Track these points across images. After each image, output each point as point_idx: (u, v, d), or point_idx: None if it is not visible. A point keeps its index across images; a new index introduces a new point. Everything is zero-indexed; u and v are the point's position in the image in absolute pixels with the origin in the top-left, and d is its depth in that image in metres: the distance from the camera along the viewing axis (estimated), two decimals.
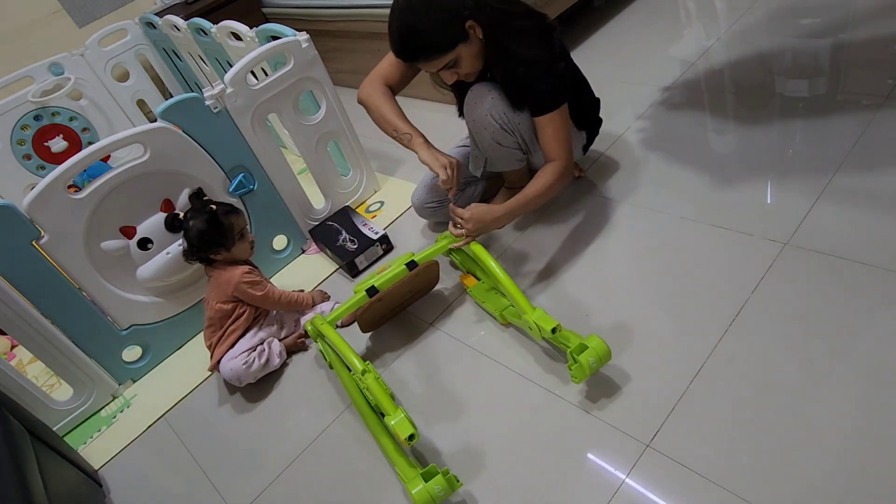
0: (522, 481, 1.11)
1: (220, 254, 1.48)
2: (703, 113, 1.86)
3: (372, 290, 1.40)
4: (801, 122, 1.67)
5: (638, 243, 1.50)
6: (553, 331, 1.17)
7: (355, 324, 1.46)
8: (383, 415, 1.24)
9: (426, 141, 1.46)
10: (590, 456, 1.11)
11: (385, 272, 1.42)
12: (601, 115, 1.68)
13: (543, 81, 1.37)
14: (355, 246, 1.75)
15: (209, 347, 1.54)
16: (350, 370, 1.36)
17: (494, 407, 1.26)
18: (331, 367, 1.44)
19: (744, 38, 2.13)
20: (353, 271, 1.74)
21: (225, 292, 1.48)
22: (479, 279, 1.53)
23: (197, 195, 1.53)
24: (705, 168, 1.63)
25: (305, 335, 1.57)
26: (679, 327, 1.25)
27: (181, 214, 1.49)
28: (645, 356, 1.22)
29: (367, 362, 1.21)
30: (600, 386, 1.21)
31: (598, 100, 1.65)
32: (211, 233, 1.45)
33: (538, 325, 1.20)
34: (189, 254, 1.49)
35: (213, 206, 1.47)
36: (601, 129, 1.72)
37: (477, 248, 1.39)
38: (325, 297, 1.65)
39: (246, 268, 1.51)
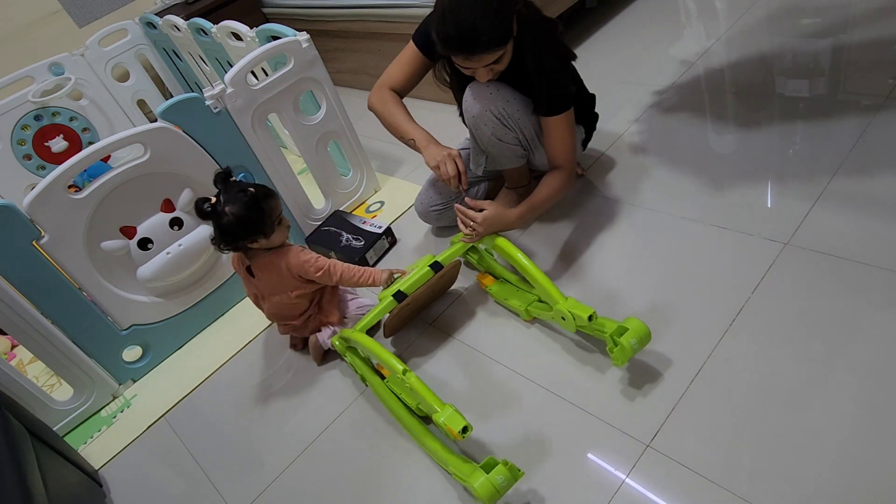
0: (522, 481, 1.10)
1: (259, 242, 1.34)
2: (703, 113, 1.86)
3: (400, 295, 1.36)
4: (801, 123, 1.67)
5: (638, 243, 1.50)
6: (590, 318, 1.16)
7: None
8: (424, 419, 1.24)
9: (430, 141, 1.45)
10: (590, 456, 1.11)
11: (409, 275, 1.39)
12: (597, 111, 1.68)
13: (561, 82, 1.40)
14: (361, 243, 1.75)
15: (293, 333, 1.51)
16: (383, 378, 1.35)
17: (494, 407, 1.26)
18: (362, 380, 1.40)
19: (744, 38, 2.13)
20: (364, 266, 1.73)
21: (289, 281, 1.39)
22: (497, 277, 1.52)
23: (224, 176, 1.32)
24: (705, 168, 1.63)
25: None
26: (679, 327, 1.25)
27: (212, 199, 1.29)
28: (645, 356, 1.22)
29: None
30: (600, 386, 1.21)
31: (593, 95, 1.65)
32: (251, 219, 1.29)
33: (573, 313, 1.19)
34: (223, 242, 1.32)
35: (252, 189, 1.30)
36: (602, 128, 1.72)
37: (502, 242, 1.37)
38: (392, 276, 1.44)
39: (298, 246, 1.41)
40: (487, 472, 1.01)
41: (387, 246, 1.80)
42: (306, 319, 1.49)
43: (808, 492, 0.94)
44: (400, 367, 1.14)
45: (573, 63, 1.49)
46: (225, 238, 1.32)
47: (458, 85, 1.54)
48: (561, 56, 1.41)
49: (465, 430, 1.03)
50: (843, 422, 1.00)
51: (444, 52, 1.33)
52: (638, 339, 1.13)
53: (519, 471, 1.03)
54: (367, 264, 1.75)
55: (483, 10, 1.24)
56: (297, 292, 1.42)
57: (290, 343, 1.60)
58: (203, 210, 1.29)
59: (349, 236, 1.80)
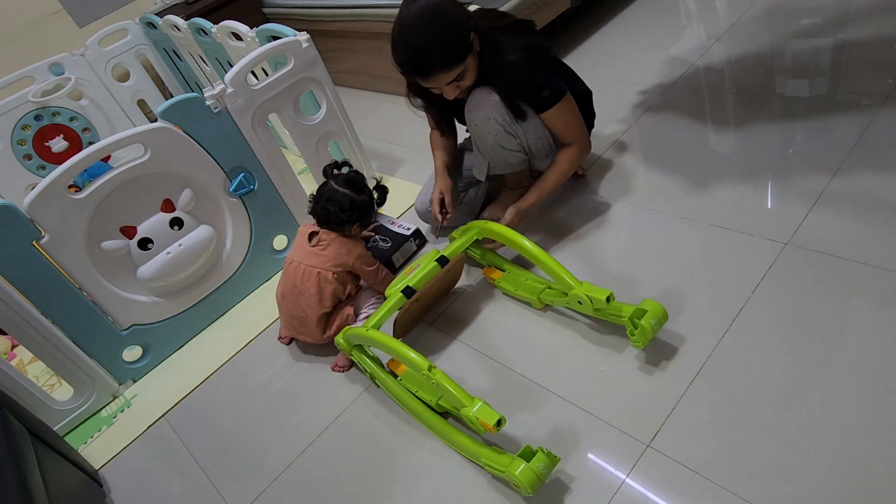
0: None
1: (356, 227, 1.49)
2: (703, 113, 1.86)
3: (409, 291, 1.34)
4: (801, 122, 1.67)
5: (638, 243, 1.50)
6: (607, 300, 1.17)
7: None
8: (444, 414, 1.24)
9: (439, 175, 1.63)
10: (590, 455, 1.11)
11: (416, 271, 1.37)
12: (595, 109, 1.68)
13: (537, 77, 1.42)
14: (388, 244, 1.72)
15: (316, 317, 1.47)
16: (396, 376, 1.34)
17: (492, 405, 1.25)
18: (371, 379, 1.39)
19: (744, 37, 2.13)
20: (390, 269, 1.69)
21: (345, 261, 1.46)
22: (503, 270, 1.52)
23: (339, 166, 1.52)
24: (705, 168, 1.63)
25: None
26: (679, 327, 1.25)
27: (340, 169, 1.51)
28: (645, 356, 1.22)
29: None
30: (600, 386, 1.21)
31: (589, 91, 1.66)
32: (373, 207, 1.50)
33: (590, 297, 1.19)
34: (348, 213, 1.45)
35: (378, 181, 1.53)
36: (601, 129, 1.73)
37: (510, 233, 1.37)
38: None
39: (363, 243, 1.54)
40: (527, 461, 1.01)
41: (414, 248, 1.75)
42: (322, 318, 1.48)
43: (808, 492, 0.94)
44: (424, 363, 1.12)
45: (568, 63, 1.50)
46: (353, 211, 1.45)
47: (434, 105, 1.60)
48: (526, 60, 1.40)
49: (499, 423, 1.02)
50: (843, 422, 1.00)
51: (405, 76, 1.37)
52: (657, 319, 1.14)
53: (556, 457, 1.03)
54: (393, 267, 1.70)
55: (430, 32, 1.28)
56: (337, 279, 1.46)
57: (280, 335, 1.62)
58: (350, 178, 1.48)
59: (376, 236, 1.76)
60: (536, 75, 1.42)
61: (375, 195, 1.52)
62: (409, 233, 1.74)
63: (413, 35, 1.29)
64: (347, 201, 1.44)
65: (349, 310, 1.50)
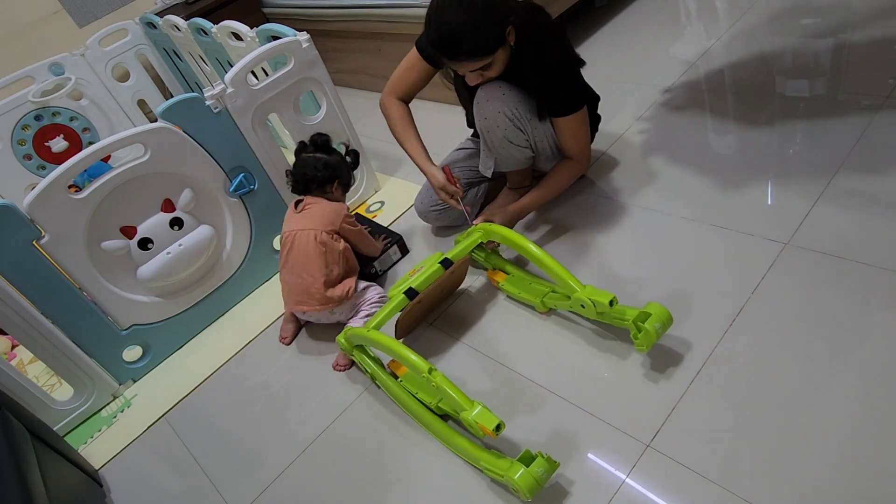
0: None
1: (336, 189, 1.60)
2: (703, 113, 1.86)
3: (411, 293, 1.34)
4: (801, 122, 1.67)
5: (638, 243, 1.50)
6: (611, 303, 1.17)
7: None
8: (444, 417, 1.23)
9: (430, 165, 1.58)
10: (590, 456, 1.11)
11: (419, 273, 1.37)
12: (599, 112, 1.69)
13: (567, 85, 1.43)
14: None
15: (321, 281, 1.47)
16: (395, 377, 1.34)
17: (493, 407, 1.25)
18: (372, 379, 1.39)
19: (744, 38, 2.13)
20: (371, 278, 1.67)
21: (332, 221, 1.51)
22: (507, 273, 1.52)
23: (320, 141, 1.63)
24: (706, 168, 1.63)
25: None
26: (679, 327, 1.25)
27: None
28: (645, 356, 1.22)
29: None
30: (600, 386, 1.21)
31: (597, 97, 1.65)
32: (350, 168, 1.63)
33: (593, 300, 1.19)
34: (314, 181, 1.56)
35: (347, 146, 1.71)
36: (603, 129, 1.73)
37: (515, 236, 1.37)
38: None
39: (346, 206, 1.60)
40: (527, 466, 1.01)
41: (398, 257, 1.73)
42: (324, 283, 1.48)
43: (808, 492, 0.94)
44: (425, 366, 1.11)
45: (581, 70, 1.50)
46: (327, 168, 1.57)
47: (462, 84, 1.54)
48: (563, 66, 1.41)
49: (498, 427, 1.02)
50: (844, 422, 1.00)
51: (433, 51, 1.35)
52: (661, 323, 1.14)
53: (555, 462, 1.03)
54: (376, 275, 1.69)
55: (468, 17, 1.25)
56: (323, 237, 1.47)
57: (280, 336, 1.63)
58: (316, 141, 1.61)
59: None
60: (568, 82, 1.43)
61: (349, 159, 1.65)
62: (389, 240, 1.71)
63: (451, 15, 1.26)
64: (321, 162, 1.56)
65: (351, 281, 1.51)
